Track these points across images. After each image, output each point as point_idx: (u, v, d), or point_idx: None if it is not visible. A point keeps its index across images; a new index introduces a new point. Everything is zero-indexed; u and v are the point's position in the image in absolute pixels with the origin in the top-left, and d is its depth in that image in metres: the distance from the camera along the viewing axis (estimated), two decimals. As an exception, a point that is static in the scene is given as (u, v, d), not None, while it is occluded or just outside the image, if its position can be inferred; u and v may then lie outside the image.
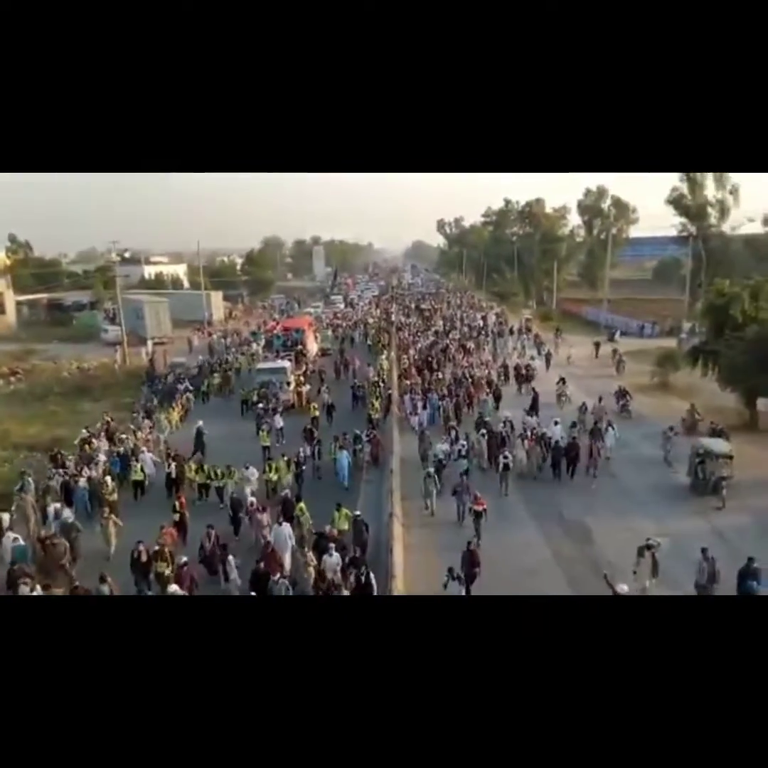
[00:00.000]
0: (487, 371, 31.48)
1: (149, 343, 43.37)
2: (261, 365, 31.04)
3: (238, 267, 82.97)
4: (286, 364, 30.01)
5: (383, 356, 34.27)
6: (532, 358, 34.33)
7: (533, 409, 25.15)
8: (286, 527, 14.06)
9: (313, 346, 37.70)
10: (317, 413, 24.24)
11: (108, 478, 17.70)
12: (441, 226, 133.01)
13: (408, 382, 28.80)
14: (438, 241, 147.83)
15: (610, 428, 20.39)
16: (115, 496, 17.05)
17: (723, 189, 47.03)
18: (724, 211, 47.27)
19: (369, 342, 41.84)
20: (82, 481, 17.54)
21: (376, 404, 25.07)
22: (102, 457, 19.56)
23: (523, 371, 30.21)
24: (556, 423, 20.72)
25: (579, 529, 15.60)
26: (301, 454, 19.10)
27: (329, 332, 46.34)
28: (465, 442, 19.34)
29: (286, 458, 18.48)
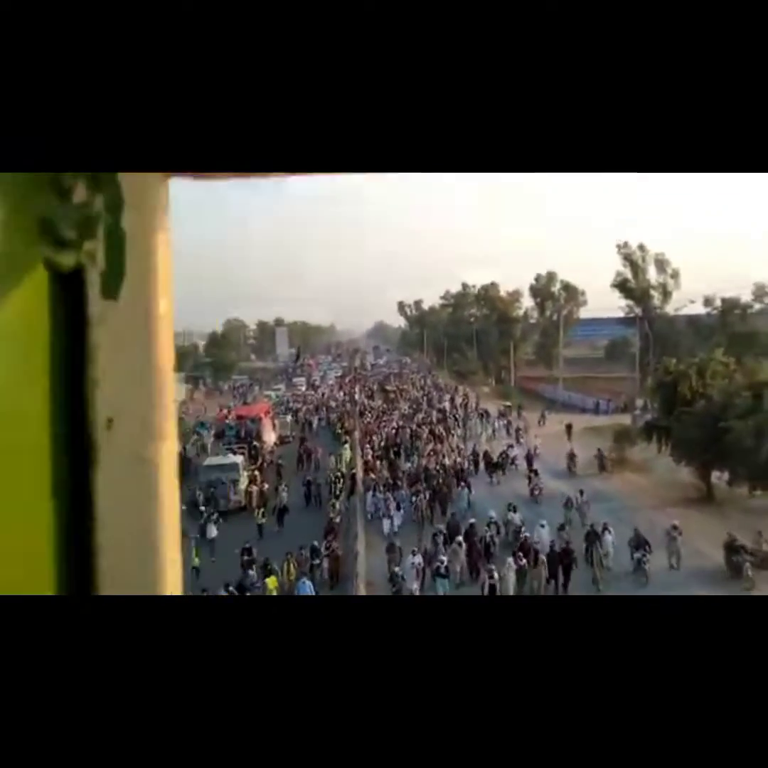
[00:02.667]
0: (455, 459, 28.02)
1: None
2: (209, 461, 27.16)
3: (201, 348, 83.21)
4: (238, 459, 26.63)
5: (346, 445, 31.06)
6: (511, 446, 30.24)
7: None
8: None
9: (270, 436, 34.42)
10: (263, 520, 21.06)
11: None
12: (401, 307, 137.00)
13: (373, 475, 25.52)
14: (399, 322, 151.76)
15: (606, 532, 17.63)
16: None
17: (664, 273, 50.16)
18: (666, 294, 50.21)
19: (333, 429, 38.11)
20: None
21: (337, 505, 21.74)
22: None
23: (494, 459, 27.35)
24: (542, 526, 18.12)
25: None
26: (244, 580, 15.94)
27: (288, 418, 42.14)
28: (444, 558, 16.23)
29: (230, 588, 15.00)
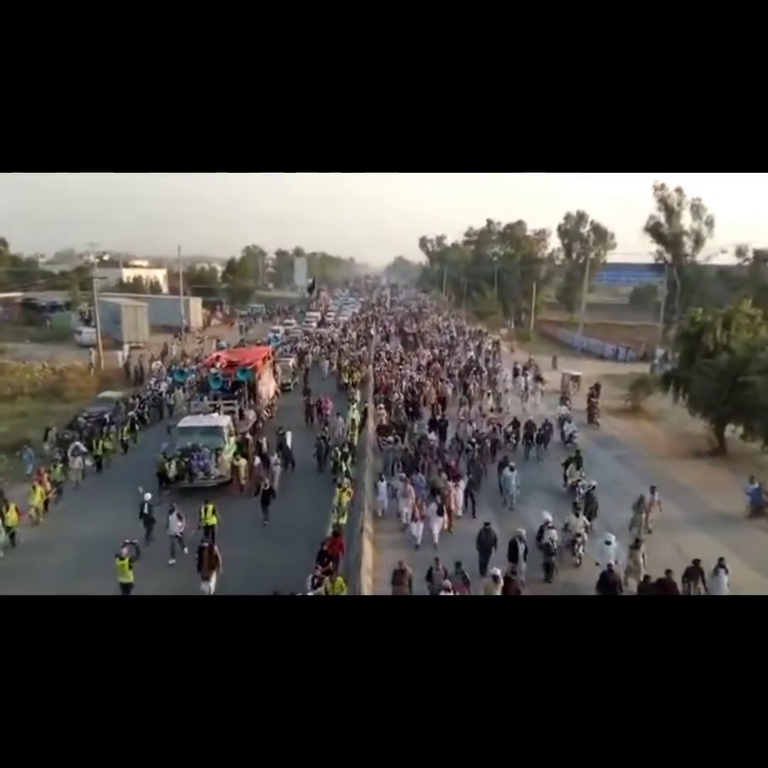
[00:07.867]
0: (492, 427, 22.46)
1: (125, 347, 42.75)
2: (185, 422, 20.64)
3: (219, 275, 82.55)
4: (224, 421, 20.39)
5: (354, 405, 24.88)
6: (567, 420, 24.30)
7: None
8: None
9: (269, 386, 27.73)
10: (213, 520, 14.57)
11: None
12: (423, 243, 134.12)
13: (389, 443, 20.28)
14: (419, 258, 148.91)
15: (721, 569, 12.30)
16: None
17: (699, 219, 48.31)
18: (698, 241, 48.51)
19: (343, 379, 32.04)
20: None
21: (343, 501, 15.45)
22: None
23: (536, 431, 22.10)
24: (608, 542, 13.07)
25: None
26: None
27: (291, 362, 35.19)
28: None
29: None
